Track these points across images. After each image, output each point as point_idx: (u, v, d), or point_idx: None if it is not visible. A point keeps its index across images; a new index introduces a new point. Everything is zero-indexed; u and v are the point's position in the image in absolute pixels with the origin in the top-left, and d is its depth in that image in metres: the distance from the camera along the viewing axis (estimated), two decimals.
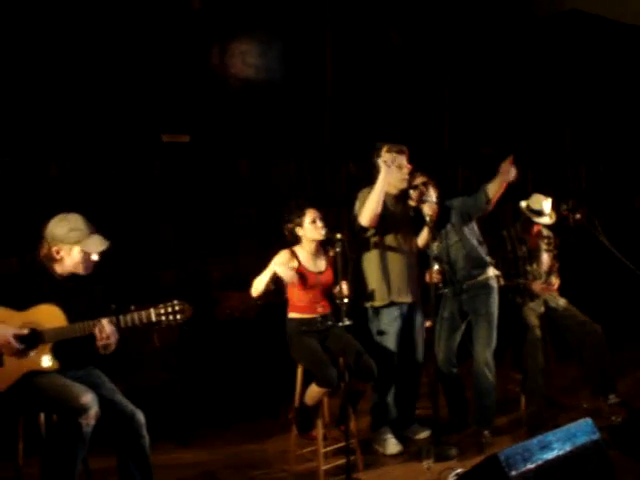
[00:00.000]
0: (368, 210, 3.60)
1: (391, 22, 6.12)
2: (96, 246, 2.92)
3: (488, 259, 3.93)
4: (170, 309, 2.86)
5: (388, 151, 3.70)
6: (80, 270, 2.93)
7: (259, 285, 3.48)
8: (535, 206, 4.25)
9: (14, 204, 4.23)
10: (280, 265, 3.48)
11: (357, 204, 3.76)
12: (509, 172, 3.58)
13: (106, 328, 2.80)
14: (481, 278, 3.87)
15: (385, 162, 3.60)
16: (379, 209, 3.60)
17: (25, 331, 2.80)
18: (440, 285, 3.86)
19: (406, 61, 6.19)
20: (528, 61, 6.91)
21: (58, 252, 2.89)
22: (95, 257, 2.94)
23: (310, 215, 3.57)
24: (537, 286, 4.20)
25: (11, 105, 4.25)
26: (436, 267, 3.80)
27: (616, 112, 7.46)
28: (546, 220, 4.27)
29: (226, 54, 5.18)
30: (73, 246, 2.88)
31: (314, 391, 3.42)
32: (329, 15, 5.66)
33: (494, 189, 3.68)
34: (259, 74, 5.34)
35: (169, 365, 4.25)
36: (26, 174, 4.30)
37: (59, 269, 2.92)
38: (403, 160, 3.73)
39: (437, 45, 6.39)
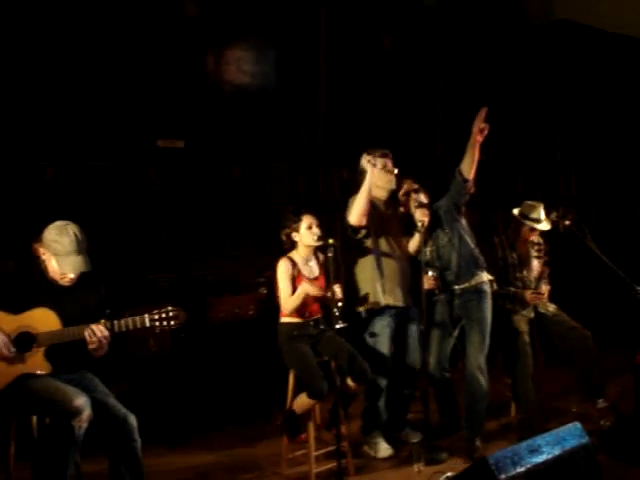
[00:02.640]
0: (356, 209, 3.67)
1: (384, 29, 6.17)
2: (71, 267, 2.83)
3: (483, 260, 3.94)
4: (164, 315, 2.87)
5: (369, 153, 3.81)
6: (59, 280, 2.90)
7: (292, 307, 3.51)
8: (532, 214, 4.28)
9: (9, 208, 4.23)
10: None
11: (348, 210, 3.80)
12: (482, 128, 3.53)
13: (96, 332, 2.80)
14: (474, 282, 3.87)
15: (369, 162, 3.71)
16: (366, 208, 3.66)
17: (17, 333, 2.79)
18: (437, 291, 3.86)
19: (399, 68, 6.23)
20: (519, 69, 6.98)
21: (43, 254, 2.88)
22: (71, 275, 2.88)
23: (307, 221, 3.60)
24: (529, 296, 4.21)
25: (7, 110, 4.26)
26: (431, 273, 3.82)
27: (606, 120, 7.53)
28: (543, 226, 4.29)
29: (221, 61, 5.21)
30: (52, 256, 2.86)
31: (304, 401, 3.43)
32: (323, 22, 5.70)
33: (467, 164, 3.68)
34: (254, 80, 5.37)
35: (162, 368, 4.25)
36: (21, 178, 4.31)
37: (50, 272, 2.92)
38: (389, 162, 3.83)
39: (430, 52, 6.44)
